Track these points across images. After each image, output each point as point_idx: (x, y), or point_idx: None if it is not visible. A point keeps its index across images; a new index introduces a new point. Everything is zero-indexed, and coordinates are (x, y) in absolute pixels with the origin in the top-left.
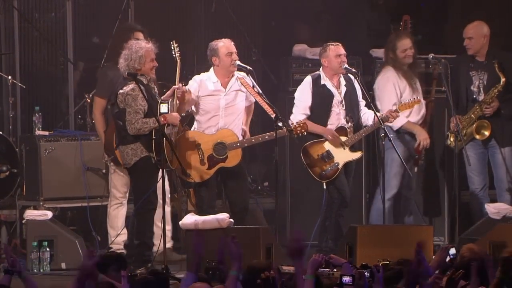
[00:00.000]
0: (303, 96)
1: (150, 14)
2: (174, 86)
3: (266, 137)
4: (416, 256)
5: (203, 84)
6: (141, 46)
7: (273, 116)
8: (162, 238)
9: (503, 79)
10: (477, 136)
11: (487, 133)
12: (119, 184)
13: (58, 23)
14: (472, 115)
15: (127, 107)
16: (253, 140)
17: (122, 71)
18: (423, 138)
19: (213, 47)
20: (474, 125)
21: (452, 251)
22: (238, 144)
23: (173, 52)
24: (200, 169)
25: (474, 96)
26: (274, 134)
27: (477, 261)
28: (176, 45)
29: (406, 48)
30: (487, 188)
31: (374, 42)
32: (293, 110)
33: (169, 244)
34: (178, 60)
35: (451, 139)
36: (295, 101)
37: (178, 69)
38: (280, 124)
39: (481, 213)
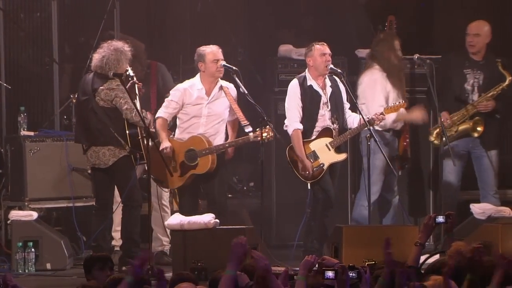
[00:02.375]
0: (293, 102)
1: (135, 14)
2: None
3: (233, 143)
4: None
5: (187, 92)
6: (122, 55)
7: (243, 123)
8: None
9: (509, 78)
10: (475, 134)
11: (480, 129)
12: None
13: (44, 23)
14: (465, 112)
15: (118, 99)
16: (221, 147)
17: (96, 67)
18: (417, 115)
19: (200, 52)
20: (471, 123)
21: (440, 219)
22: (207, 151)
23: (128, 75)
24: (173, 176)
25: (467, 94)
26: (241, 141)
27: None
28: (131, 68)
29: (398, 48)
30: (459, 189)
31: (360, 42)
32: (288, 120)
33: (164, 248)
34: (136, 82)
35: (434, 136)
36: (286, 112)
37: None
38: (247, 130)
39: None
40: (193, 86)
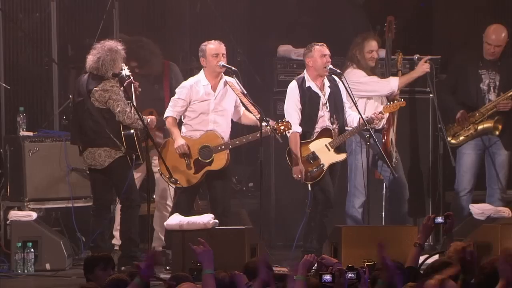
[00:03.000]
0: (292, 105)
1: (134, 14)
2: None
3: (250, 137)
4: (379, 257)
5: (193, 89)
6: (118, 54)
7: (257, 116)
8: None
9: None
10: (496, 132)
11: (501, 127)
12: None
13: (43, 23)
14: (484, 111)
15: (111, 101)
16: (237, 142)
17: (92, 68)
18: (422, 68)
19: (202, 48)
20: (493, 122)
21: (439, 219)
22: (223, 147)
23: (124, 74)
24: (187, 174)
25: (484, 94)
26: (258, 135)
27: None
28: (127, 67)
29: (373, 49)
30: (473, 190)
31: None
32: None
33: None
34: (132, 82)
35: (448, 134)
36: (286, 115)
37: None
38: (264, 124)
39: (463, 215)
40: (198, 82)
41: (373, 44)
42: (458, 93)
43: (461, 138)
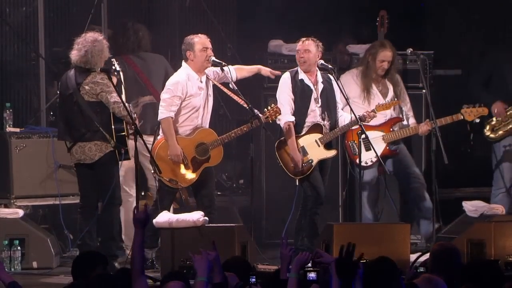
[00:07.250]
0: (285, 95)
1: (123, 8)
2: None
3: (245, 129)
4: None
5: (188, 84)
6: (103, 44)
7: (245, 105)
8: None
9: None
10: None
11: None
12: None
13: (30, 17)
14: None
15: (104, 93)
16: (233, 135)
17: (80, 62)
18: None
19: (189, 41)
20: None
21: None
22: (219, 142)
23: (114, 69)
24: (186, 174)
25: None
26: (250, 125)
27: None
28: (117, 62)
29: (385, 60)
30: None
31: (351, 38)
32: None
33: None
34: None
35: (488, 129)
36: (278, 105)
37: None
38: (255, 111)
39: None
40: (190, 77)
41: (387, 55)
42: (491, 88)
43: (500, 132)
